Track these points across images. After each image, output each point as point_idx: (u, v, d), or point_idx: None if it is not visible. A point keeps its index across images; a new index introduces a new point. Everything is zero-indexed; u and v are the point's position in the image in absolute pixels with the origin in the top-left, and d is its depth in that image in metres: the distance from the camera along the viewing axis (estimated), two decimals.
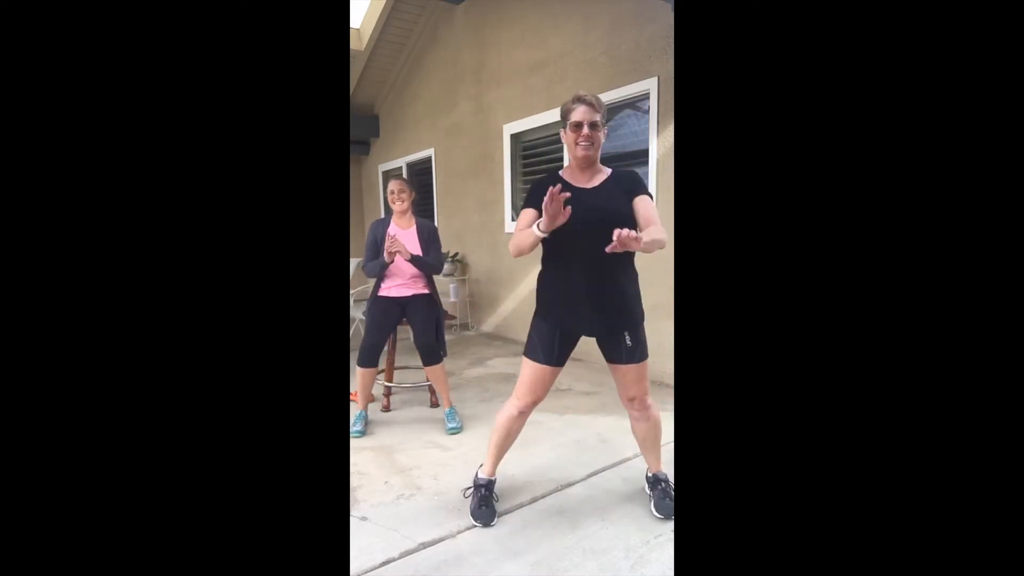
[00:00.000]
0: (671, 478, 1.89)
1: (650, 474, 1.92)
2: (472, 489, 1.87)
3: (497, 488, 1.88)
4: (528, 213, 1.69)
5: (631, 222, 1.64)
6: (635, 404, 1.80)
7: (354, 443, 2.46)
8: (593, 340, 1.74)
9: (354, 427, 2.60)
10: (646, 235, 1.48)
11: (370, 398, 2.71)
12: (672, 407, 2.69)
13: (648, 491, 1.92)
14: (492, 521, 1.77)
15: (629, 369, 1.74)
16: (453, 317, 4.88)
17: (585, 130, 1.61)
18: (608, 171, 1.74)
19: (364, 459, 2.30)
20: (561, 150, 3.88)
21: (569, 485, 2.03)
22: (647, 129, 3.27)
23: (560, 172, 1.76)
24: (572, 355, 1.76)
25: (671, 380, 3.10)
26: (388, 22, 5.27)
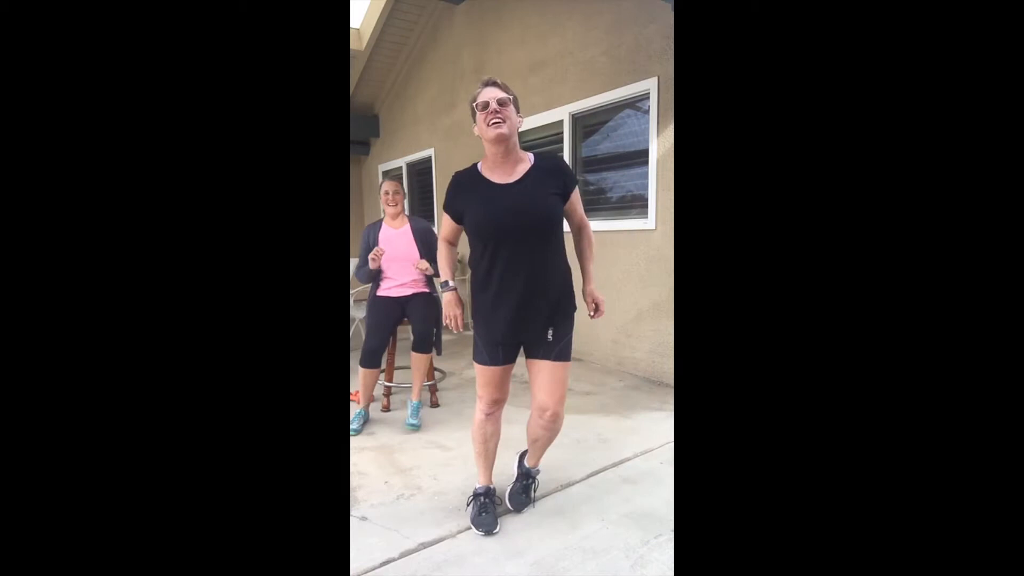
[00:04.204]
0: (538, 480, 1.91)
1: (527, 466, 1.89)
2: (472, 498, 1.82)
3: (498, 490, 1.88)
4: (447, 221, 1.65)
5: (556, 222, 1.55)
6: (547, 416, 1.63)
7: (354, 443, 2.46)
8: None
9: (352, 424, 2.59)
10: (588, 256, 1.60)
11: (371, 398, 2.72)
12: (672, 407, 2.69)
13: (514, 478, 1.90)
14: (495, 528, 1.72)
15: (544, 366, 1.58)
16: None
17: (493, 106, 1.48)
18: (530, 159, 1.59)
19: (364, 459, 2.30)
20: (562, 150, 3.88)
21: (569, 485, 2.03)
22: (647, 129, 3.27)
23: (478, 165, 1.61)
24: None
25: (671, 380, 3.10)
26: (388, 22, 5.26)
